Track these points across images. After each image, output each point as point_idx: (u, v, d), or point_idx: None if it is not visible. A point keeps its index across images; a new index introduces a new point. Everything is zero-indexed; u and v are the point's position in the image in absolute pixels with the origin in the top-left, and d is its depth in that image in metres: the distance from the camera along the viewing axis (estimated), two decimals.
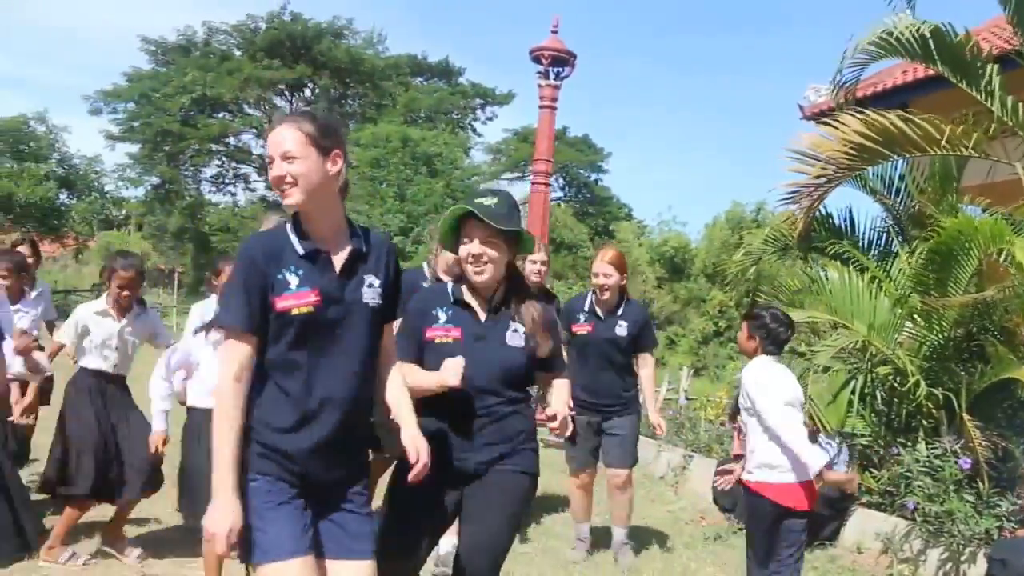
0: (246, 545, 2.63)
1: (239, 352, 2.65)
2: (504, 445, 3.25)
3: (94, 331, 5.08)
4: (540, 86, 14.03)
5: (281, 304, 2.65)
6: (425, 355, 3.27)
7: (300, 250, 2.71)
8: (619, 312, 5.48)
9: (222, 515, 2.56)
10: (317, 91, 45.14)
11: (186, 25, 46.22)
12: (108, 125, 44.92)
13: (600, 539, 5.96)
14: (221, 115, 45.15)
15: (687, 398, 14.39)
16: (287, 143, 2.65)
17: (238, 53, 45.01)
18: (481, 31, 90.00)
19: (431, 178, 33.11)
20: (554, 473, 6.84)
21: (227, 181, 47.89)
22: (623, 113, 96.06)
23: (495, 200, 3.26)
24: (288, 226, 2.76)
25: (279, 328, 2.67)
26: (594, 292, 5.56)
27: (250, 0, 55.62)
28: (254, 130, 45.51)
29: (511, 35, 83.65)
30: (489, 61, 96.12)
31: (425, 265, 5.39)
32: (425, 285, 4.89)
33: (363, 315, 2.77)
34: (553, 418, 3.26)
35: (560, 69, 13.84)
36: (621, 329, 5.45)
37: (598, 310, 5.52)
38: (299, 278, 2.68)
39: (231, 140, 45.99)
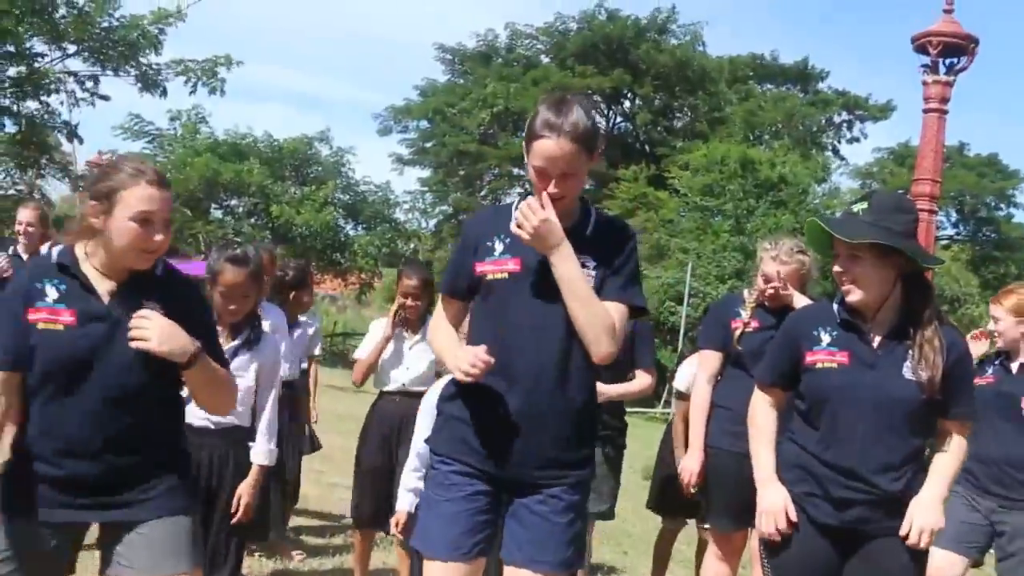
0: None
1: None
2: (887, 507, 3.44)
3: (386, 350, 5.80)
4: (925, 84, 13.29)
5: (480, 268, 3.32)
6: (804, 380, 3.60)
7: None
8: None
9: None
10: (638, 102, 45.72)
11: (487, 29, 48.50)
12: (398, 147, 47.94)
13: None
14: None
15: None
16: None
17: (545, 60, 46.70)
18: (845, 25, 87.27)
19: (776, 209, 32.46)
20: None
21: None
22: None
23: (864, 205, 3.52)
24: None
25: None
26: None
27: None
28: None
29: (888, 30, 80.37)
30: (860, 64, 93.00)
31: (746, 292, 5.51)
32: (741, 311, 5.22)
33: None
34: None
35: (954, 60, 13.03)
36: None
37: (1008, 363, 5.26)
38: (505, 245, 3.30)
39: None
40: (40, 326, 3.11)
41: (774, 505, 3.56)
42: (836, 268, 3.50)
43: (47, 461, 3.14)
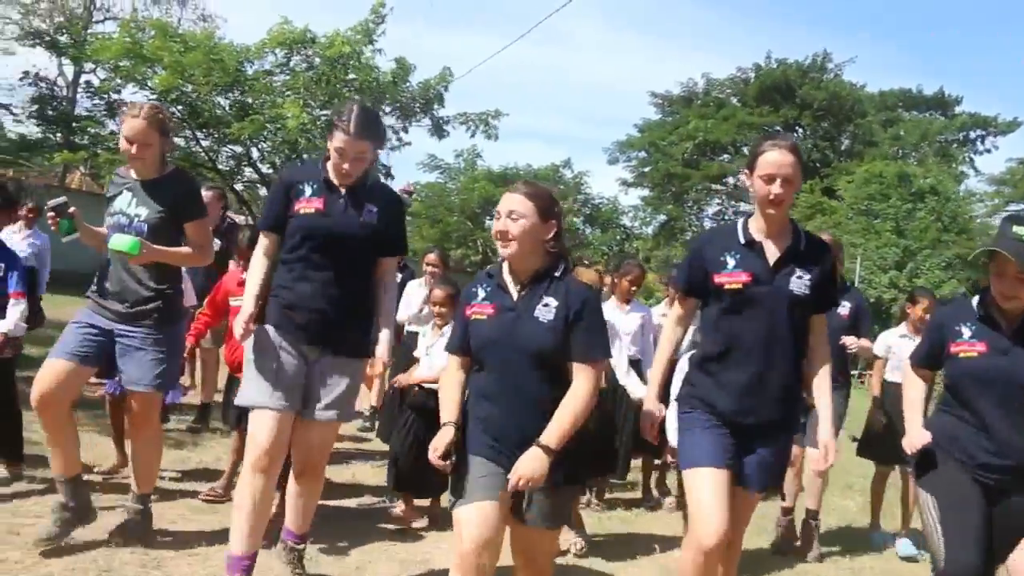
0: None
1: None
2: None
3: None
4: None
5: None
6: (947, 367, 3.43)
7: None
8: None
9: None
10: (807, 130, 44.00)
11: (688, 78, 47.87)
12: (623, 172, 48.04)
13: None
14: (721, 157, 45.92)
15: None
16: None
17: (734, 100, 45.83)
18: (979, 55, 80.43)
19: (929, 214, 30.65)
20: None
21: (726, 218, 48.51)
22: None
23: None
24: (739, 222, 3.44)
25: None
26: None
27: (750, 49, 55.57)
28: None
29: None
30: (990, 87, 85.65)
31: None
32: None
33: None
34: None
35: None
36: None
37: None
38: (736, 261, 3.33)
39: (730, 179, 46.59)
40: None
41: None
42: (1004, 287, 3.22)
43: None
